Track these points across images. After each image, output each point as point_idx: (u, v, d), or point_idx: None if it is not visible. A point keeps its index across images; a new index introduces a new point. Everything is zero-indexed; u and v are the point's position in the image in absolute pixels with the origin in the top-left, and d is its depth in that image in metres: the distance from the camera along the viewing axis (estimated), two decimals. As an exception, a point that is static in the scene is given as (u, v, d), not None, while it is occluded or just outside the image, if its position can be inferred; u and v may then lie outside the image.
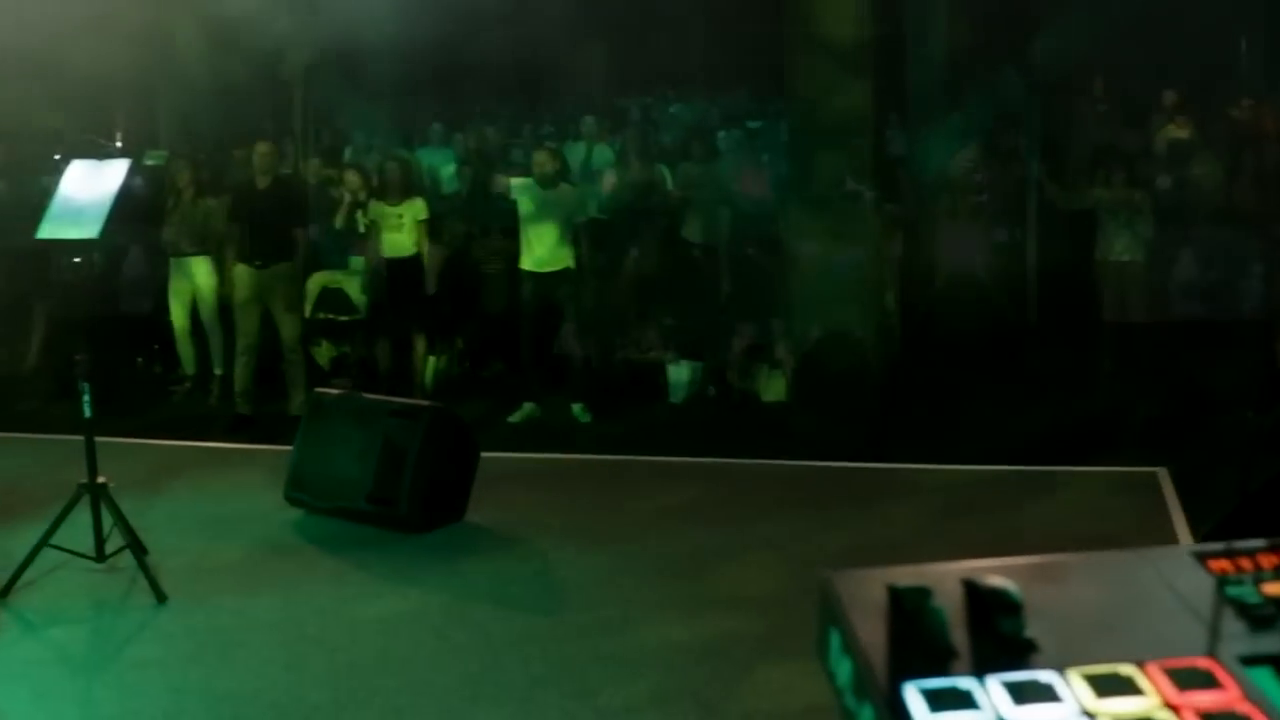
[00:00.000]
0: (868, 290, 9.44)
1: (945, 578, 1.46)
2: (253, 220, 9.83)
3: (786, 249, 9.64)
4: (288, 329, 9.90)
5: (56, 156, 6.50)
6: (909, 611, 1.38)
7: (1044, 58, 10.97)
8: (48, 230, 6.39)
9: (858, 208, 9.07)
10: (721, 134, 12.43)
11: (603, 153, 12.92)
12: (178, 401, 10.76)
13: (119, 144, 6.57)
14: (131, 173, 6.34)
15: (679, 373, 10.54)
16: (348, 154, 13.84)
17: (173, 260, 10.55)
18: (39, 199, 6.45)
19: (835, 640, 1.42)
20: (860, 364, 9.29)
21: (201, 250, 10.30)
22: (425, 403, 7.10)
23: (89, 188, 6.34)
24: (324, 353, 11.11)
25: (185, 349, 10.81)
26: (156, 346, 11.41)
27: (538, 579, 6.39)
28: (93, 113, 13.23)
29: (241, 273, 9.86)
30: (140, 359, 11.47)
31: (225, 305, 10.23)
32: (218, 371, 10.64)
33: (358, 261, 10.76)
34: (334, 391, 7.42)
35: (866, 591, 1.44)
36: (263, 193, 9.84)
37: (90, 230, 6.25)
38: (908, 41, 11.40)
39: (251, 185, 9.93)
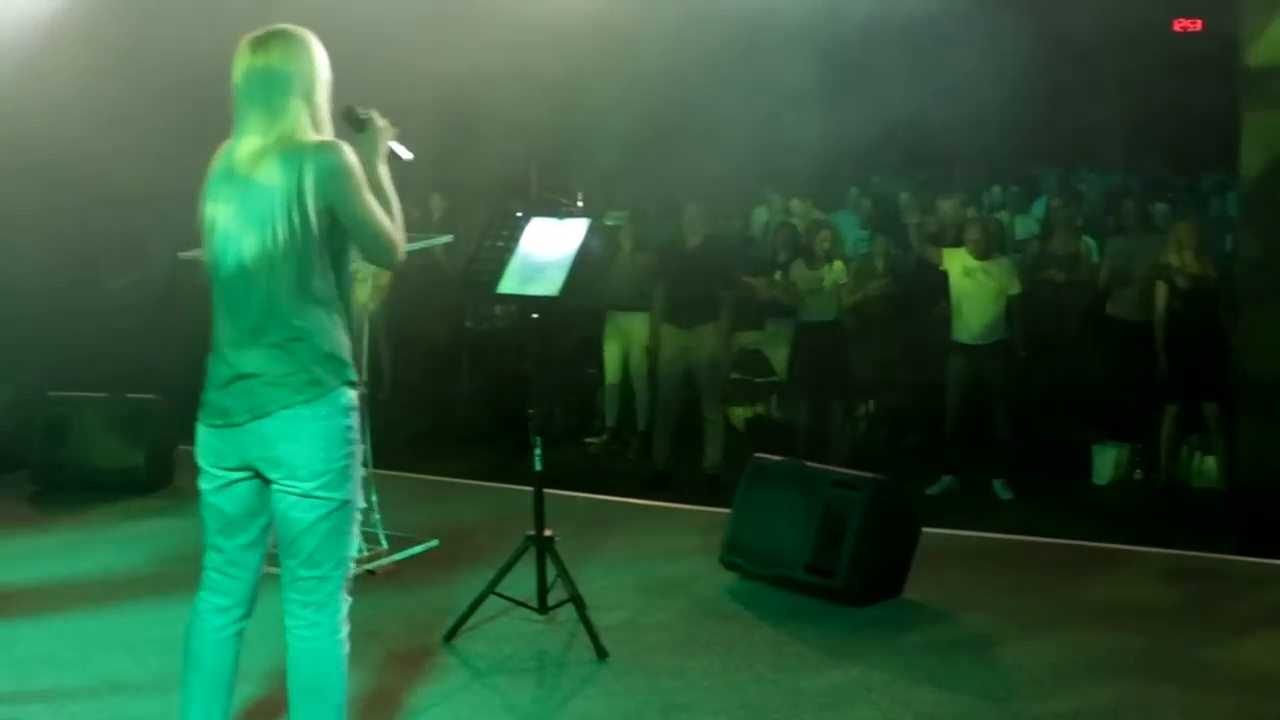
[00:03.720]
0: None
1: None
2: (678, 280, 9.95)
3: (1234, 327, 9.18)
4: (708, 389, 9.97)
5: (518, 213, 6.60)
6: None
7: None
8: (509, 285, 6.52)
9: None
10: (1161, 206, 11.95)
11: (1025, 223, 12.68)
12: (594, 454, 10.97)
13: (580, 203, 6.65)
14: (591, 232, 6.41)
15: (1104, 453, 10.19)
16: (764, 215, 13.97)
17: (610, 313, 10.79)
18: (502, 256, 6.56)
19: None
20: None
21: (639, 305, 10.50)
22: (868, 474, 6.96)
23: (549, 245, 6.44)
24: (739, 414, 11.17)
25: (611, 401, 11.04)
26: (574, 398, 11.68)
27: (981, 663, 6.16)
28: (556, 170, 13.73)
29: (666, 332, 10.01)
30: (556, 409, 11.74)
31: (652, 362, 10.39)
32: (641, 427, 10.81)
33: (775, 323, 10.77)
34: (775, 457, 7.36)
35: None
36: (691, 253, 9.95)
37: (550, 287, 6.34)
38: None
39: (681, 244, 10.06)
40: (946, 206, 12.93)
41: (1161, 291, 9.88)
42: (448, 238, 8.21)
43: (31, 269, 10.90)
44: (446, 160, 12.71)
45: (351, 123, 4.61)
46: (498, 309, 11.61)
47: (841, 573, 6.73)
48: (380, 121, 4.63)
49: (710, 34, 11.54)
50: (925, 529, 7.31)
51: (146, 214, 11.95)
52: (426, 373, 12.72)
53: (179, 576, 7.06)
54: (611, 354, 10.90)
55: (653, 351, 10.36)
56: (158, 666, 6.03)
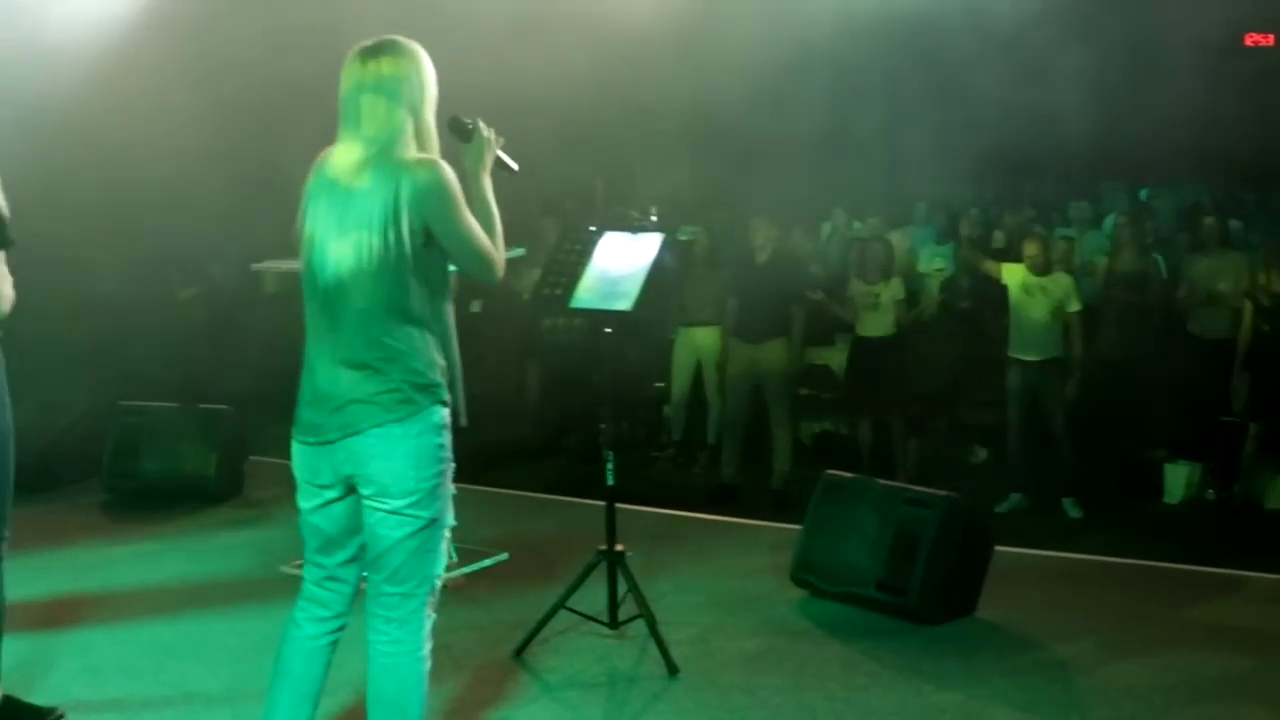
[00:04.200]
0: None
1: None
2: (747, 295, 9.93)
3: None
4: (776, 405, 9.94)
5: (592, 227, 6.59)
6: None
7: None
8: (582, 300, 6.50)
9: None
10: (1234, 223, 11.79)
11: (1095, 240, 12.54)
12: (661, 468, 10.96)
13: (654, 218, 6.66)
14: (665, 247, 6.38)
15: (1176, 473, 10.07)
16: (828, 230, 13.91)
17: (680, 328, 10.78)
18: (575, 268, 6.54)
19: None
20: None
21: (711, 320, 10.50)
22: (942, 492, 6.91)
23: (623, 260, 6.42)
24: (805, 429, 11.12)
25: (678, 416, 11.00)
26: (641, 413, 11.65)
27: (1056, 684, 6.09)
28: (627, 183, 13.74)
29: (734, 347, 10.03)
30: (624, 423, 11.69)
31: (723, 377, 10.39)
32: (710, 441, 10.78)
33: (846, 339, 10.75)
34: (847, 474, 7.32)
35: None
36: (760, 268, 9.92)
37: (625, 303, 6.31)
38: None
39: (750, 259, 10.03)
40: (1014, 222, 12.82)
41: (1248, 310, 9.77)
42: (520, 250, 8.18)
43: (104, 279, 11.03)
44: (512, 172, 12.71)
45: (457, 132, 4.56)
46: (560, 321, 11.57)
47: (914, 591, 6.69)
48: (486, 131, 4.58)
49: (778, 49, 11.51)
50: (997, 547, 7.25)
51: (215, 225, 12.08)
52: (493, 385, 12.71)
53: (251, 586, 7.16)
54: (681, 368, 10.85)
55: (723, 366, 10.37)
56: (230, 676, 6.06)
